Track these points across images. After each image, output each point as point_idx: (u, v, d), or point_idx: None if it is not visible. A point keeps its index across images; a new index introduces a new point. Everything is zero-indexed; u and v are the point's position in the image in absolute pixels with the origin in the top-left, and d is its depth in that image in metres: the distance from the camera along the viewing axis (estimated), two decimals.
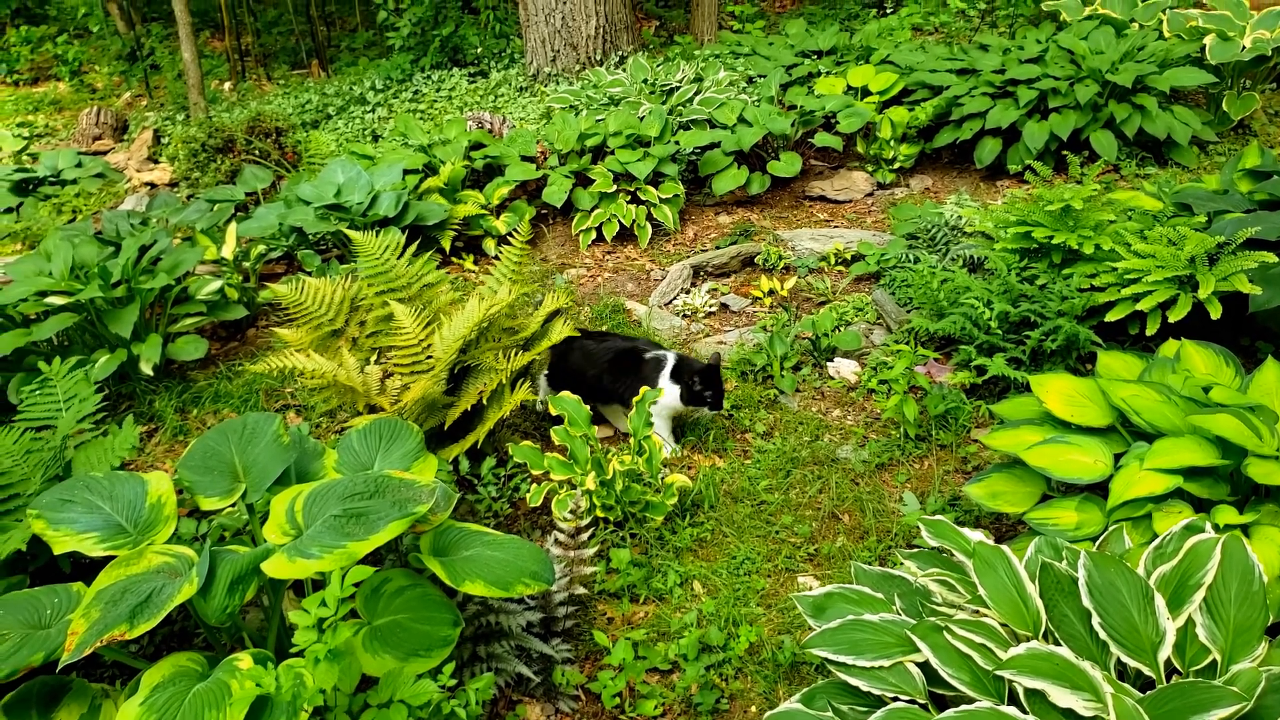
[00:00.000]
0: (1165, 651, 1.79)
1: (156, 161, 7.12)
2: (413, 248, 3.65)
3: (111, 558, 2.08)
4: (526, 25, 7.38)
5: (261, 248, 4.84)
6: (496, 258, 4.81)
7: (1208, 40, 5.39)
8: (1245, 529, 2.26)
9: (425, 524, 2.32)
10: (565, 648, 2.58)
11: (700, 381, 3.37)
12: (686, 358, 3.50)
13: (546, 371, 3.68)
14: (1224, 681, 1.72)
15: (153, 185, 6.66)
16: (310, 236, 5.00)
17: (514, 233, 3.70)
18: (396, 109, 7.29)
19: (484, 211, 5.33)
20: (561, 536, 2.72)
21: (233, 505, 2.43)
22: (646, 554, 3.01)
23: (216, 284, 4.29)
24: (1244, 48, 5.31)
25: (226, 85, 8.78)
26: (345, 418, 3.75)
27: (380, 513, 2.09)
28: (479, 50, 8.10)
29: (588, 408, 3.27)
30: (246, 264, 4.74)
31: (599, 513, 3.03)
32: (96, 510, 2.19)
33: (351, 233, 3.57)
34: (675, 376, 3.41)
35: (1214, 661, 1.80)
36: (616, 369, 3.50)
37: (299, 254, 4.85)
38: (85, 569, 2.63)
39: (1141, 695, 1.72)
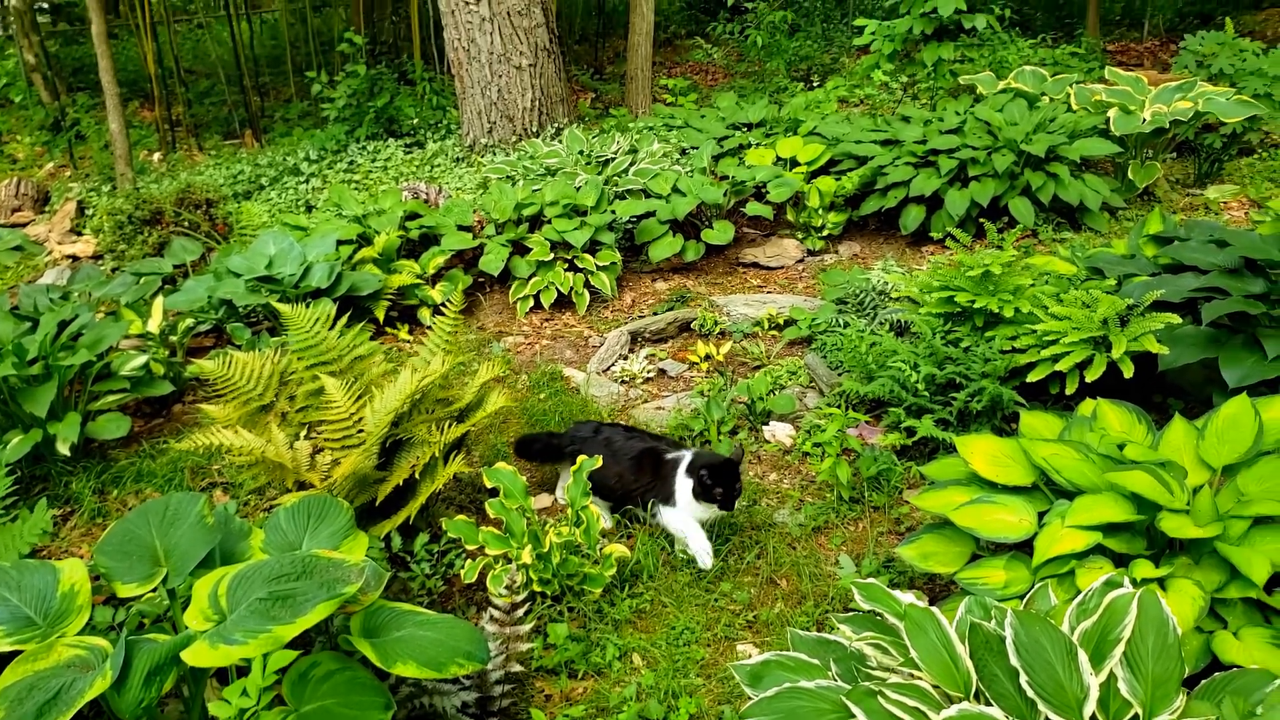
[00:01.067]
0: (1090, 707, 1.83)
1: (80, 234, 6.97)
2: (344, 320, 3.63)
3: (19, 652, 1.99)
4: (463, 97, 7.48)
5: (189, 321, 4.76)
6: (431, 327, 4.81)
7: (1112, 113, 5.70)
8: (1161, 582, 2.33)
9: (355, 604, 2.27)
10: None
11: (710, 475, 3.10)
12: (704, 453, 3.30)
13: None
14: None
15: (75, 258, 6.51)
16: (240, 309, 4.92)
17: (448, 302, 3.70)
18: (331, 179, 7.29)
19: (419, 281, 5.33)
20: (497, 613, 2.68)
21: (153, 591, 2.35)
22: (585, 627, 2.97)
23: (141, 359, 4.19)
24: (1144, 120, 5.62)
25: (156, 156, 8.68)
26: (274, 495, 3.66)
27: (308, 594, 2.04)
28: (415, 121, 8.17)
29: (524, 479, 3.24)
30: (174, 338, 4.64)
31: (536, 587, 2.99)
32: (2, 602, 2.10)
33: (280, 305, 3.54)
34: (690, 470, 3.18)
35: (1136, 715, 1.83)
36: (638, 468, 3.34)
37: (228, 327, 4.78)
38: None
39: None
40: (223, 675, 2.42)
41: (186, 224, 6.00)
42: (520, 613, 2.69)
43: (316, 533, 2.51)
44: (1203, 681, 1.97)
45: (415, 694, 2.40)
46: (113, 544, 2.32)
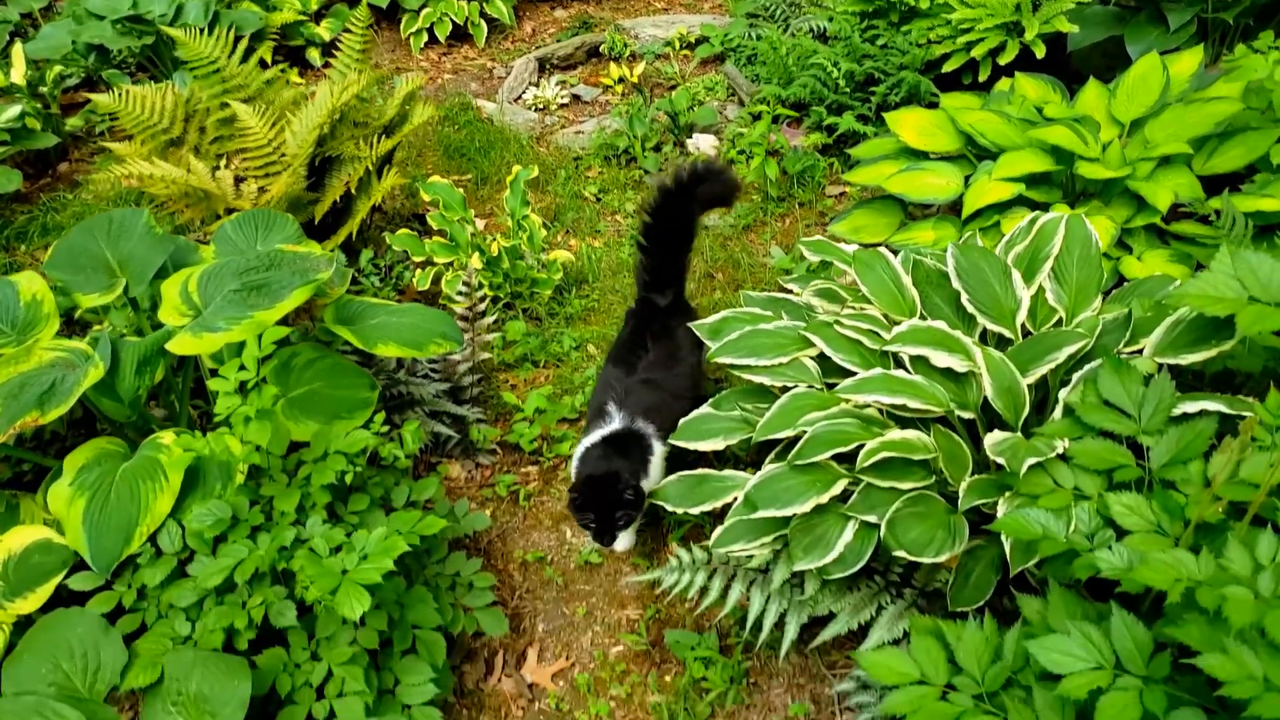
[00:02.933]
0: (1022, 316, 2.05)
1: None
2: (243, 44, 3.40)
3: None
4: None
5: (58, 69, 4.36)
6: (326, 65, 4.56)
7: None
8: None
9: (325, 297, 2.31)
10: (477, 411, 2.67)
11: (578, 488, 2.10)
12: (632, 434, 2.19)
13: None
14: (1069, 329, 2.00)
15: None
16: (114, 55, 4.53)
17: (354, 19, 3.51)
18: None
19: (303, 18, 4.97)
20: (459, 309, 2.75)
21: (101, 310, 2.33)
22: (539, 325, 3.09)
23: (15, 109, 3.85)
24: None
25: None
26: (196, 237, 3.56)
27: (282, 282, 2.06)
28: None
29: (460, 192, 3.22)
30: (44, 89, 4.27)
31: (488, 291, 3.07)
32: None
33: (175, 32, 3.27)
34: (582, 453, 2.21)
35: (1060, 318, 2.07)
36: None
37: (104, 74, 4.41)
38: None
39: (1004, 352, 1.97)
40: (199, 393, 2.46)
41: None
42: (480, 308, 2.77)
43: (268, 240, 2.48)
44: (1114, 290, 2.21)
45: (391, 384, 2.50)
46: (62, 258, 2.26)
